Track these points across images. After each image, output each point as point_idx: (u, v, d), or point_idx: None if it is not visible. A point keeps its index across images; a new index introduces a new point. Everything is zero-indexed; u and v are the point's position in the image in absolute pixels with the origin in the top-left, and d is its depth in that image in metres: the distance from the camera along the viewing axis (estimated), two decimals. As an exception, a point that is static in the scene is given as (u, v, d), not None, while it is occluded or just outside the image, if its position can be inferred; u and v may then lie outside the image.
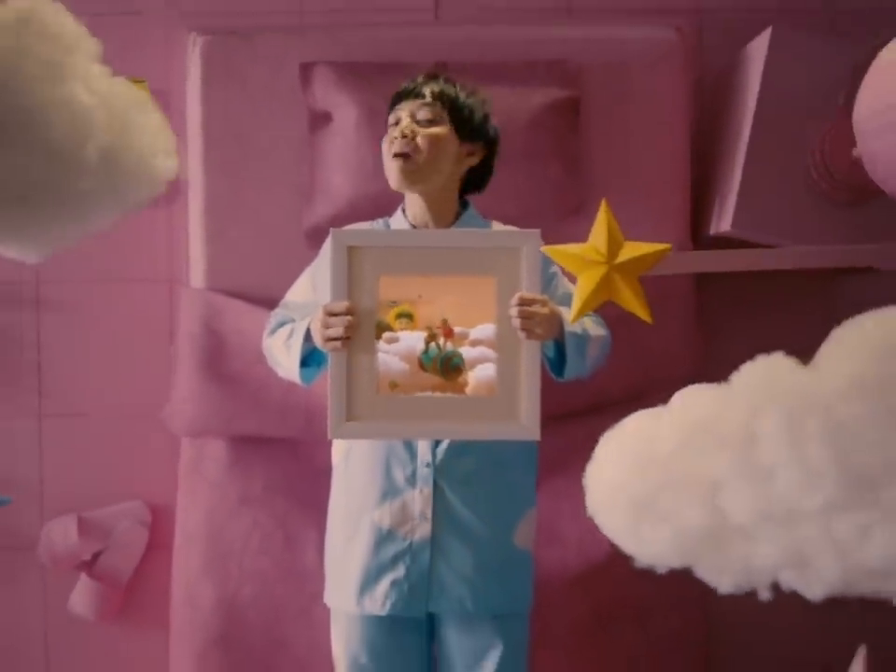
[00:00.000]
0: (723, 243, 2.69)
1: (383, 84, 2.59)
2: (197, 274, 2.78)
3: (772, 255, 2.17)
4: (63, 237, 1.92)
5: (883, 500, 1.70)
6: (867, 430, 1.70)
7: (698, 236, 2.78)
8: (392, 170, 2.31)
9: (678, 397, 1.89)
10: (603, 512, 1.93)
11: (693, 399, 1.87)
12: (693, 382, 2.64)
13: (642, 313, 2.07)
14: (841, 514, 1.71)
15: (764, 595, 1.78)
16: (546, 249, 2.11)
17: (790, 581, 1.76)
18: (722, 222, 2.64)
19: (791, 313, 2.87)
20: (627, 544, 1.91)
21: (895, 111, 2.08)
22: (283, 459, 2.72)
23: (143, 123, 1.95)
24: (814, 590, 1.75)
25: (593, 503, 1.96)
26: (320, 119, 2.75)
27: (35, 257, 1.93)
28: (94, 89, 1.86)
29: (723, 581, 1.82)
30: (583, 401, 2.65)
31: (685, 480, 1.81)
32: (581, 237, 2.18)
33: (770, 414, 1.74)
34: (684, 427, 1.84)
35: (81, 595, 2.90)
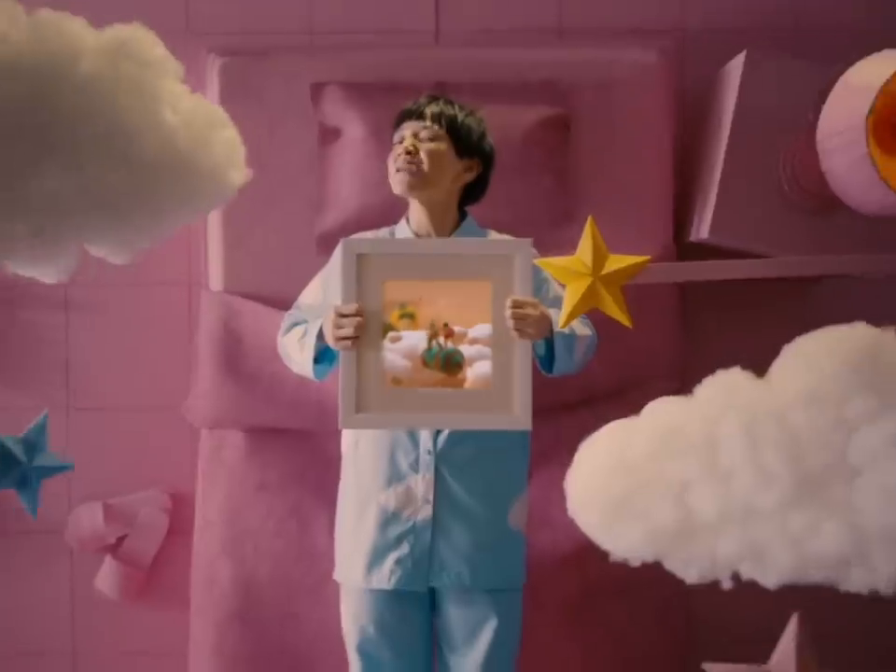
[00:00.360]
0: (703, 249, 2.83)
1: (388, 102, 2.74)
2: (216, 278, 2.92)
3: (733, 266, 2.33)
4: (147, 239, 2.06)
5: (829, 499, 1.85)
6: (815, 437, 1.86)
7: (680, 243, 2.91)
8: (397, 177, 2.47)
9: (648, 408, 2.06)
10: (582, 513, 2.09)
11: (661, 410, 2.02)
12: (676, 378, 2.83)
13: (624, 319, 2.21)
14: (793, 511, 1.86)
15: (726, 584, 1.95)
16: (538, 262, 2.26)
17: (748, 571, 1.91)
18: (701, 230, 2.79)
19: (771, 313, 2.99)
20: (604, 540, 2.07)
21: (853, 131, 2.24)
22: (296, 449, 2.85)
23: (218, 138, 2.08)
24: (770, 579, 1.90)
25: (573, 504, 2.12)
26: (330, 135, 2.89)
27: (124, 257, 2.06)
28: (178, 108, 1.99)
29: (690, 572, 1.99)
30: (573, 395, 2.79)
31: (655, 482, 1.96)
32: (571, 243, 2.30)
33: (729, 423, 1.90)
34: (653, 435, 1.99)
35: (106, 576, 3.02)
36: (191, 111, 2.03)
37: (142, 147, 1.92)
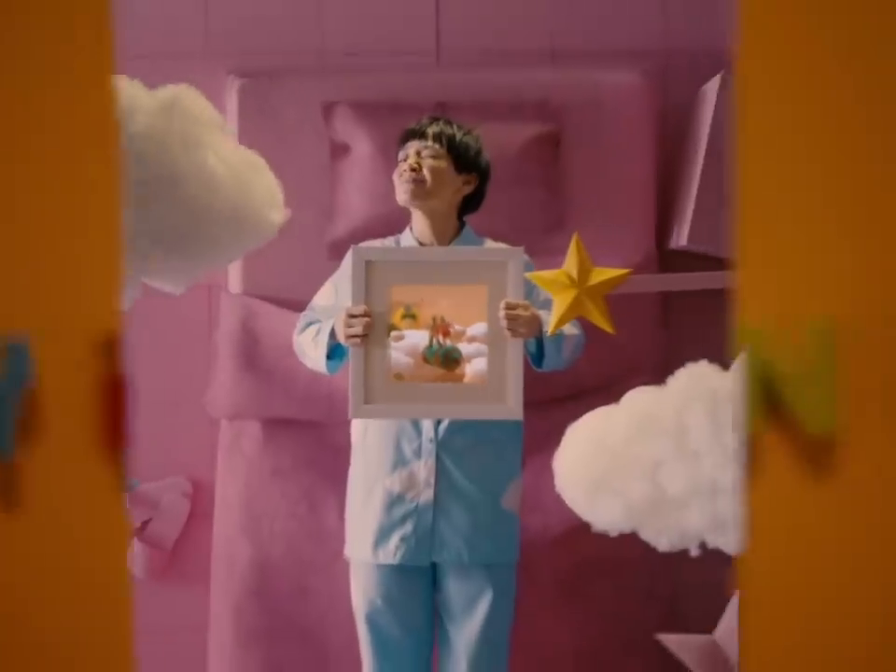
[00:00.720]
0: (683, 255, 3.01)
1: (393, 120, 2.91)
2: (235, 281, 3.08)
3: (697, 278, 2.55)
4: (198, 272, 2.25)
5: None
6: None
7: (662, 250, 3.07)
8: (403, 188, 2.66)
9: (626, 397, 2.26)
10: (568, 489, 2.30)
11: (637, 399, 2.21)
12: (659, 372, 3.01)
13: (607, 327, 2.41)
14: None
15: (694, 552, 2.15)
16: (528, 275, 2.45)
17: (713, 541, 2.08)
18: (680, 238, 2.96)
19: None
20: (586, 514, 2.26)
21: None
22: (309, 438, 3.00)
23: (259, 182, 2.26)
24: (732, 548, 2.06)
25: (560, 483, 2.33)
26: (340, 150, 3.06)
27: (177, 289, 2.25)
28: (222, 156, 2.17)
29: (662, 541, 2.17)
30: (563, 389, 2.92)
31: (632, 462, 2.12)
32: (562, 249, 2.50)
33: (697, 410, 2.07)
34: (631, 422, 2.15)
35: (132, 557, 3.12)
36: (234, 158, 2.21)
37: (192, 191, 2.10)
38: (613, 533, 2.22)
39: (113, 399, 1.04)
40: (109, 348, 1.03)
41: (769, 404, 1.04)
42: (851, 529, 1.08)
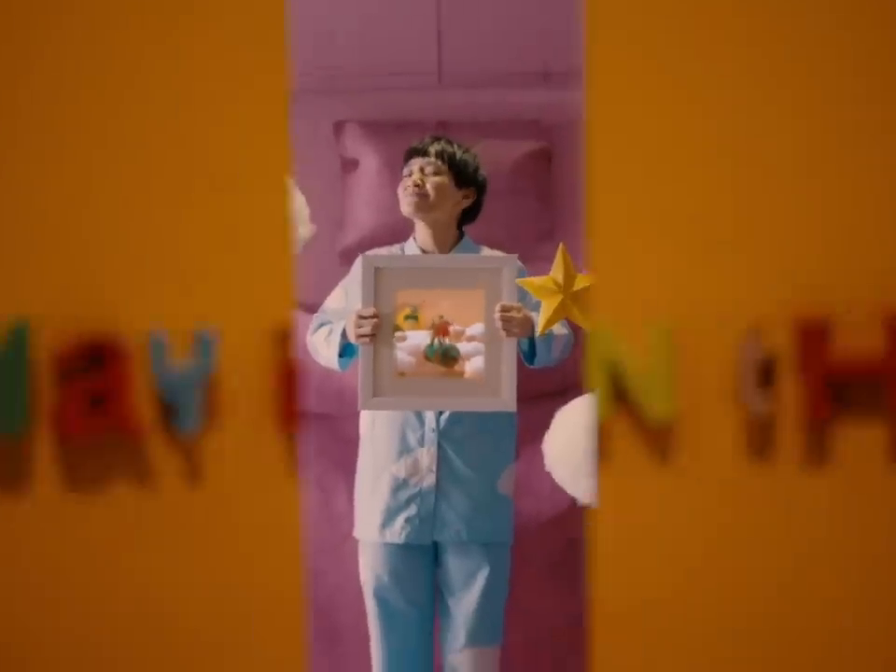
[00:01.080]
0: None
1: (398, 137, 3.12)
2: None
3: None
4: None
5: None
6: None
7: None
8: (407, 201, 2.86)
9: None
10: (556, 468, 2.50)
11: None
12: None
13: (590, 328, 2.62)
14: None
15: None
16: (519, 282, 2.66)
17: None
18: None
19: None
20: (572, 490, 2.48)
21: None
22: (320, 430, 3.21)
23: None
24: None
25: (549, 461, 2.54)
26: (349, 165, 3.28)
27: None
28: None
29: None
30: (554, 385, 3.08)
31: None
32: (553, 256, 2.65)
33: None
34: None
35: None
36: None
37: None
38: (595, 506, 2.44)
39: (287, 385, 1.17)
40: (283, 339, 1.17)
41: (617, 395, 1.21)
42: (687, 505, 1.25)
